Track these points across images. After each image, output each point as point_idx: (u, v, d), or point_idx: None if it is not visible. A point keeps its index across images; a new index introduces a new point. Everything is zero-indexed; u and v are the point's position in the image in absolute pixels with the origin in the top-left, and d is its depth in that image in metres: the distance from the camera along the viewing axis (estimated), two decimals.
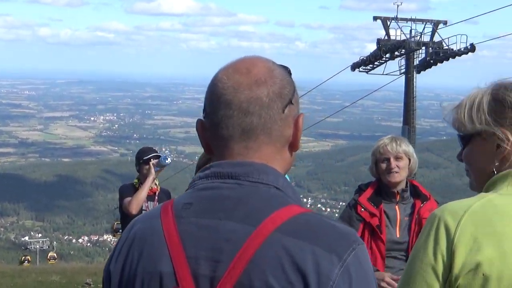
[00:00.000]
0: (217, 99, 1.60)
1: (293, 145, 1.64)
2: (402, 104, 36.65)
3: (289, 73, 1.69)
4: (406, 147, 4.73)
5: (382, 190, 4.76)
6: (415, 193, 4.79)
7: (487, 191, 2.07)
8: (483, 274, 1.87)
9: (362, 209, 4.72)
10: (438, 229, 1.95)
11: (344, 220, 4.75)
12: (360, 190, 4.85)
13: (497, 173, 2.06)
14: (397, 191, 4.74)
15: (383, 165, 4.70)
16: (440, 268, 1.92)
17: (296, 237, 1.46)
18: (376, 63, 37.97)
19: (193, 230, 1.53)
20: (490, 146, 2.07)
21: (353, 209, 4.77)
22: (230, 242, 1.49)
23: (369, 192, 4.79)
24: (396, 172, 4.66)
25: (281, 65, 1.67)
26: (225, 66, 1.65)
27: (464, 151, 2.18)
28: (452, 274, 1.90)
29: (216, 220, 1.52)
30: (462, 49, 35.38)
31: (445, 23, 37.14)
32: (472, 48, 35.11)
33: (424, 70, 36.69)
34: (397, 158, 4.67)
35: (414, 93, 35.65)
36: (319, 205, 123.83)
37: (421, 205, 4.70)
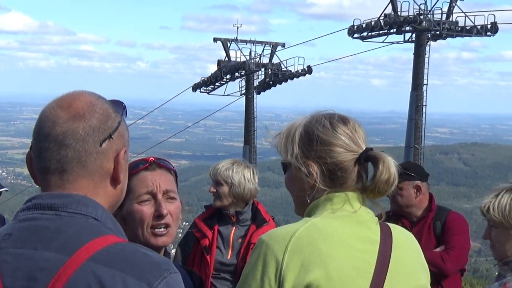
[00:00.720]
0: (38, 132, 1.66)
1: (114, 179, 1.68)
2: (243, 124, 37.20)
3: (123, 107, 1.75)
4: (229, 172, 4.69)
5: (220, 211, 4.79)
6: (253, 216, 4.81)
7: (309, 215, 2.17)
8: None
9: (196, 230, 4.80)
10: (266, 255, 2.02)
11: (183, 240, 4.87)
12: (204, 210, 4.92)
13: (309, 200, 2.18)
14: (231, 214, 4.76)
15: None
16: None
17: (108, 265, 1.51)
18: (217, 83, 38.35)
19: (10, 260, 1.56)
20: (301, 175, 2.18)
21: (192, 229, 4.85)
22: (44, 271, 1.52)
23: (207, 212, 4.85)
24: (216, 197, 4.72)
25: (112, 100, 1.74)
26: (52, 101, 1.69)
27: (284, 178, 2.30)
28: None
29: (33, 250, 1.56)
30: (300, 70, 36.47)
31: (283, 45, 38.19)
32: (309, 70, 36.32)
33: (264, 91, 37.48)
34: (217, 184, 4.70)
35: (254, 114, 36.34)
36: None
37: (256, 229, 4.71)
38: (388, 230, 2.20)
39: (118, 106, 1.74)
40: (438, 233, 4.92)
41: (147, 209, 2.45)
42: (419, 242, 4.96)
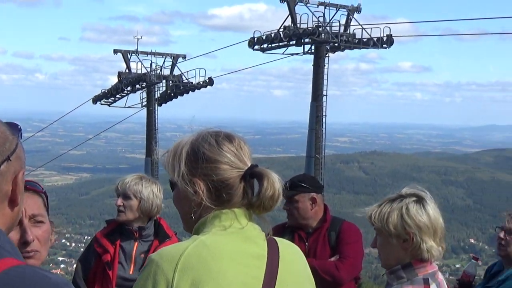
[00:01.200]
0: None
1: (12, 201, 1.66)
2: (145, 136, 36.96)
3: (19, 130, 1.74)
4: (138, 187, 4.67)
5: (122, 226, 4.74)
6: (156, 232, 4.79)
7: (197, 232, 2.19)
8: None
9: (98, 245, 4.72)
10: (156, 274, 2.02)
11: (84, 255, 4.79)
12: (105, 226, 4.84)
13: (195, 218, 2.20)
14: (134, 229, 4.72)
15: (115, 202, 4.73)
16: None
17: None
18: (117, 95, 37.90)
19: None
20: (187, 193, 2.19)
21: (93, 244, 4.77)
22: None
23: (109, 227, 4.78)
24: (122, 211, 4.66)
25: (8, 122, 1.71)
26: None
27: (172, 195, 2.31)
28: None
29: None
30: (201, 82, 36.49)
31: (184, 57, 38.14)
32: (210, 82, 36.39)
33: (165, 103, 37.31)
34: (125, 197, 4.65)
35: (156, 125, 36.12)
36: (63, 240, 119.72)
37: (159, 244, 4.69)
38: (275, 245, 2.23)
39: (14, 128, 1.71)
40: (333, 243, 5.01)
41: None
42: (315, 252, 5.08)
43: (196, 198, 2.17)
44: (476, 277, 5.06)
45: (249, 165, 2.21)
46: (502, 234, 4.76)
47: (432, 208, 2.98)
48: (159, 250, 2.12)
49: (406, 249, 2.95)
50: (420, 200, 2.99)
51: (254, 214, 2.23)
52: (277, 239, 2.28)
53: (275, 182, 2.17)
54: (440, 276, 3.00)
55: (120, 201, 4.65)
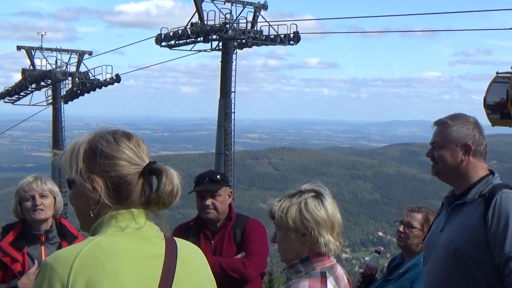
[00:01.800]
0: None
1: None
2: (51, 134, 36.23)
3: None
4: (51, 186, 4.62)
5: (26, 232, 4.57)
6: (62, 233, 4.67)
7: (94, 233, 2.17)
8: None
9: (4, 255, 4.47)
10: (51, 278, 1.99)
11: None
12: (4, 233, 4.59)
13: (93, 215, 2.18)
14: (41, 233, 4.58)
15: (28, 203, 4.52)
16: None
17: None
18: (22, 93, 36.95)
19: None
20: (86, 191, 2.17)
21: None
22: None
23: (12, 235, 4.56)
24: (42, 210, 4.51)
25: None
26: None
27: (69, 194, 2.28)
28: None
29: None
30: (108, 79, 36.01)
31: (90, 53, 37.51)
32: (117, 79, 35.97)
33: (72, 100, 36.64)
34: (42, 196, 4.53)
35: (62, 123, 35.42)
36: None
37: (68, 246, 4.56)
38: (174, 245, 2.23)
39: None
40: (239, 240, 5.01)
41: None
42: (221, 250, 5.08)
43: (94, 195, 2.14)
44: (378, 269, 5.20)
45: (148, 162, 2.21)
46: (401, 228, 4.92)
47: (330, 204, 3.04)
48: (53, 253, 2.09)
49: (305, 243, 3.00)
50: (318, 196, 3.04)
51: (153, 211, 2.23)
52: (176, 239, 2.28)
53: (174, 178, 2.18)
54: (339, 269, 3.06)
55: (39, 201, 4.50)
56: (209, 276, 2.35)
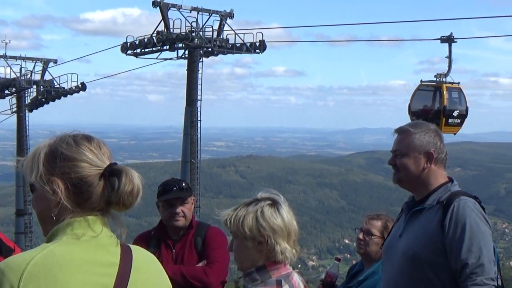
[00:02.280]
0: None
1: None
2: (15, 143, 35.88)
3: None
4: None
5: None
6: None
7: (50, 240, 2.17)
8: None
9: None
10: (1, 284, 1.99)
11: None
12: None
13: (55, 218, 2.17)
14: None
15: None
16: None
17: None
18: None
19: None
20: (47, 194, 2.17)
21: None
22: None
23: None
24: None
25: None
26: None
27: (31, 199, 2.29)
28: None
29: None
30: (74, 87, 35.70)
31: (55, 61, 37.19)
32: (83, 87, 35.69)
33: (37, 108, 36.27)
34: None
35: (27, 132, 35.08)
36: None
37: (3, 259, 4.42)
38: (129, 253, 2.24)
39: None
40: (200, 248, 5.03)
41: None
42: (182, 259, 5.08)
43: (55, 198, 2.14)
44: (338, 277, 5.25)
45: (108, 163, 2.23)
46: (361, 235, 4.99)
47: (286, 212, 3.05)
48: (5, 259, 2.09)
49: (261, 252, 3.01)
50: (274, 204, 3.05)
51: (113, 217, 2.24)
52: (133, 246, 2.29)
53: (134, 178, 2.20)
54: (295, 277, 3.08)
55: None
56: (166, 285, 2.36)
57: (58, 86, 36.12)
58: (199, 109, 28.80)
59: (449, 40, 22.42)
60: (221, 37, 29.29)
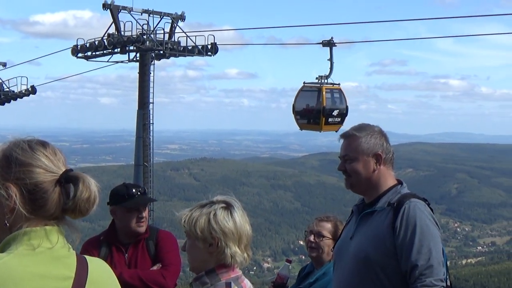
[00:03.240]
0: None
1: None
2: None
3: None
4: None
5: None
6: None
7: (2, 250, 2.12)
8: None
9: None
10: None
11: None
12: None
13: (9, 225, 2.12)
14: None
15: None
16: None
17: None
18: None
19: None
20: (2, 200, 2.11)
21: None
22: None
23: None
24: None
25: None
26: None
27: None
28: None
29: None
30: (24, 91, 35.21)
31: (4, 64, 36.58)
32: (33, 90, 35.20)
33: None
34: None
35: None
36: None
37: None
38: (85, 265, 2.20)
39: None
40: (152, 252, 5.01)
41: None
42: (136, 263, 5.04)
43: (9, 203, 2.09)
44: (289, 278, 5.25)
45: (64, 169, 2.18)
46: (312, 238, 4.99)
47: (239, 216, 3.06)
48: None
49: (212, 253, 3.03)
50: (228, 207, 3.06)
51: (67, 223, 2.20)
52: (88, 258, 2.25)
53: (91, 185, 2.16)
54: (245, 281, 3.09)
55: None
56: None
57: (7, 89, 35.55)
58: (151, 112, 28.60)
59: (330, 44, 23.73)
60: (173, 39, 29.13)
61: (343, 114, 24.23)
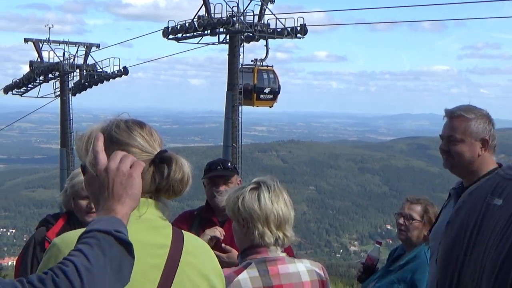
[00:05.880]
0: None
1: None
2: (59, 126, 36.30)
3: None
4: None
5: (73, 224, 4.39)
6: None
7: None
8: None
9: None
10: (57, 258, 1.92)
11: (24, 259, 4.31)
12: (48, 223, 4.47)
13: None
14: None
15: (83, 203, 4.39)
16: None
17: None
18: (30, 85, 37.06)
19: None
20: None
21: (39, 246, 4.33)
22: None
23: (59, 225, 4.45)
24: (94, 212, 4.32)
25: None
26: None
27: (83, 180, 2.31)
28: None
29: None
30: (116, 71, 36.01)
31: (98, 46, 37.53)
32: (125, 71, 35.96)
33: (80, 92, 36.68)
34: None
35: (70, 115, 35.51)
36: None
37: None
38: (180, 236, 2.26)
39: None
40: None
41: None
42: (231, 238, 5.04)
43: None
44: (379, 260, 5.23)
45: (159, 150, 2.23)
46: (401, 220, 4.92)
47: (266, 197, 3.10)
48: (62, 235, 2.12)
49: (245, 234, 3.11)
50: (257, 188, 3.12)
51: (162, 201, 2.26)
52: (184, 232, 2.31)
53: (184, 166, 2.21)
54: (280, 266, 3.12)
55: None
56: (216, 270, 2.38)
57: (100, 70, 36.48)
58: (240, 94, 28.77)
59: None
60: (262, 22, 29.18)
61: (275, 92, 30.23)
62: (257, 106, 30.71)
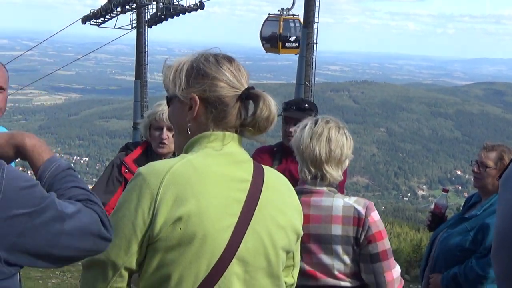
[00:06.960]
0: None
1: None
2: (134, 58, 36.65)
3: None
4: None
5: (149, 152, 4.57)
6: None
7: (186, 152, 2.24)
8: (180, 229, 2.04)
9: (126, 170, 4.47)
10: (141, 187, 2.07)
11: (104, 180, 4.51)
12: (127, 149, 4.64)
13: (191, 133, 2.24)
14: (165, 158, 4.45)
15: (156, 134, 4.49)
16: (139, 223, 2.06)
17: None
18: (107, 16, 37.44)
19: None
20: (184, 108, 2.23)
21: (117, 168, 4.51)
22: None
23: (136, 153, 4.59)
24: (166, 144, 4.46)
25: None
26: None
27: (168, 111, 2.36)
28: (153, 228, 2.04)
29: None
30: (192, 5, 35.99)
31: None
32: (201, 5, 35.91)
33: (156, 25, 36.88)
34: (170, 129, 4.40)
35: (146, 48, 35.79)
36: None
37: None
38: (261, 171, 2.28)
39: None
40: None
41: None
42: None
43: (192, 112, 2.21)
44: (447, 208, 5.15)
45: (246, 86, 2.25)
46: (476, 168, 4.82)
47: (307, 136, 3.35)
48: (147, 165, 2.16)
49: None
50: (304, 127, 3.41)
51: (248, 135, 2.29)
52: (265, 166, 2.33)
53: (271, 104, 2.22)
54: (312, 197, 3.28)
55: (166, 134, 4.45)
56: (295, 207, 2.40)
57: (177, 3, 36.53)
58: (315, 31, 28.40)
59: None
60: None
61: (300, 41, 29.17)
62: (283, 54, 32.02)
